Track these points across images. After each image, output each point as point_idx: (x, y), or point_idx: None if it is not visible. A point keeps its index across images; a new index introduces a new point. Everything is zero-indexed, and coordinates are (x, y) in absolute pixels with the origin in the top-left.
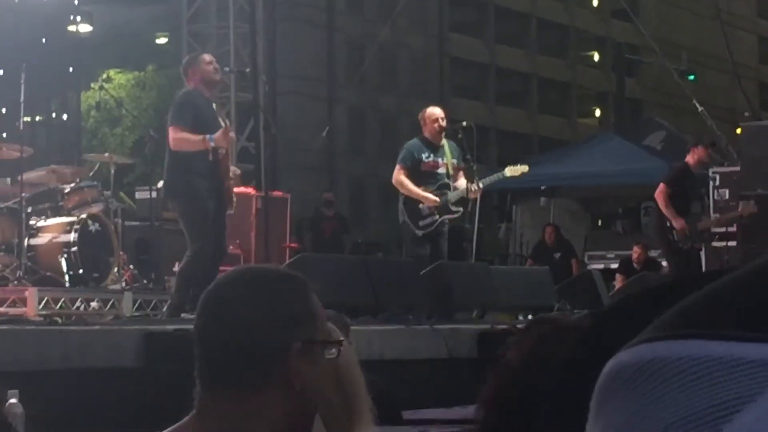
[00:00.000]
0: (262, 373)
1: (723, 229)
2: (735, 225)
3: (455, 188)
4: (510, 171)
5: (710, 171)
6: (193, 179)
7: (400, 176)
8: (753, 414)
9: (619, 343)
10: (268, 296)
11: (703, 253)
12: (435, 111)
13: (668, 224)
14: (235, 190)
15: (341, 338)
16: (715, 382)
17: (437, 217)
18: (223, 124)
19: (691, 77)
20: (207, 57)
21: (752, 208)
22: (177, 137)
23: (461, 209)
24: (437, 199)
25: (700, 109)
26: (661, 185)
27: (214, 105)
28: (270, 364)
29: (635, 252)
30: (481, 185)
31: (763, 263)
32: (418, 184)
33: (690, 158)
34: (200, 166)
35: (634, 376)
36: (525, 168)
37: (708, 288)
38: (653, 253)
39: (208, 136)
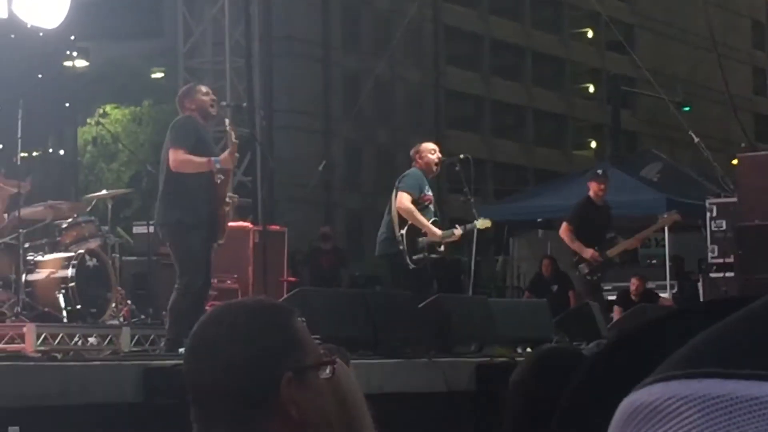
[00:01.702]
0: (258, 408)
1: (721, 260)
2: (733, 255)
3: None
4: (481, 223)
5: (707, 202)
6: (184, 210)
7: (409, 204)
8: None
9: (627, 372)
10: (250, 331)
11: (700, 284)
12: (431, 145)
13: (576, 258)
14: (231, 224)
15: (334, 358)
16: (733, 421)
17: (426, 254)
18: (229, 145)
19: (687, 108)
20: (204, 88)
21: (675, 216)
22: (180, 159)
23: (442, 250)
24: (439, 232)
25: (696, 140)
26: (564, 223)
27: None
28: (264, 398)
29: (633, 284)
30: (460, 231)
31: None
32: None
33: (590, 192)
34: (195, 194)
35: (651, 414)
36: (489, 222)
37: (719, 325)
38: (651, 285)
39: (213, 159)
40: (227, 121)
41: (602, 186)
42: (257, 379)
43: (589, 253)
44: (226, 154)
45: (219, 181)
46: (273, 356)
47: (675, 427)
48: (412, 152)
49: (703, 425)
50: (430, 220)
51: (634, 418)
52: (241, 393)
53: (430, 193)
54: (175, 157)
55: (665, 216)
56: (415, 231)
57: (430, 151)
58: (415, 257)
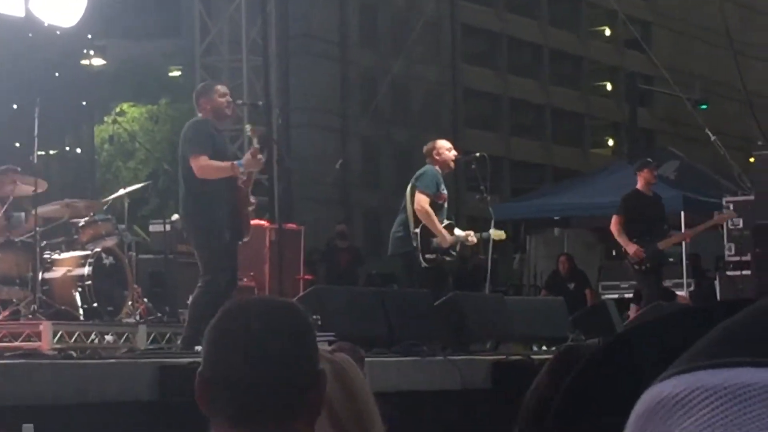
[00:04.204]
0: (298, 403)
1: (738, 258)
2: (749, 253)
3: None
4: (495, 234)
5: (724, 200)
6: (211, 210)
7: (427, 207)
8: None
9: (628, 364)
10: (296, 327)
11: (717, 282)
12: (446, 143)
13: (623, 250)
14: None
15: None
16: None
17: (439, 254)
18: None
19: (704, 106)
20: (221, 88)
21: (731, 213)
22: (203, 165)
23: (455, 254)
24: (450, 239)
25: (713, 138)
26: (614, 217)
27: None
28: (305, 394)
29: None
30: (474, 239)
31: None
32: None
33: (639, 184)
34: (219, 195)
35: (677, 406)
36: (503, 234)
37: (741, 316)
38: (668, 283)
39: (236, 162)
40: (248, 127)
41: (653, 174)
42: (303, 375)
43: (632, 249)
44: (248, 156)
45: (242, 182)
46: (313, 353)
47: (703, 418)
48: (426, 149)
49: (734, 414)
50: (444, 223)
51: (657, 411)
52: (288, 389)
53: (445, 191)
54: (198, 164)
55: (723, 213)
56: (430, 230)
57: (447, 148)
58: (428, 256)
